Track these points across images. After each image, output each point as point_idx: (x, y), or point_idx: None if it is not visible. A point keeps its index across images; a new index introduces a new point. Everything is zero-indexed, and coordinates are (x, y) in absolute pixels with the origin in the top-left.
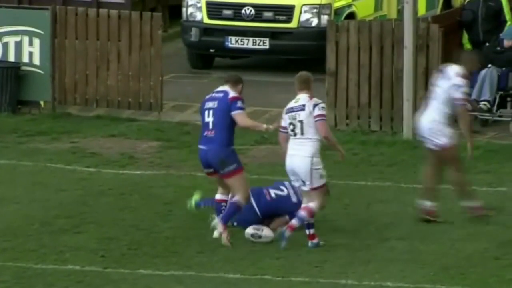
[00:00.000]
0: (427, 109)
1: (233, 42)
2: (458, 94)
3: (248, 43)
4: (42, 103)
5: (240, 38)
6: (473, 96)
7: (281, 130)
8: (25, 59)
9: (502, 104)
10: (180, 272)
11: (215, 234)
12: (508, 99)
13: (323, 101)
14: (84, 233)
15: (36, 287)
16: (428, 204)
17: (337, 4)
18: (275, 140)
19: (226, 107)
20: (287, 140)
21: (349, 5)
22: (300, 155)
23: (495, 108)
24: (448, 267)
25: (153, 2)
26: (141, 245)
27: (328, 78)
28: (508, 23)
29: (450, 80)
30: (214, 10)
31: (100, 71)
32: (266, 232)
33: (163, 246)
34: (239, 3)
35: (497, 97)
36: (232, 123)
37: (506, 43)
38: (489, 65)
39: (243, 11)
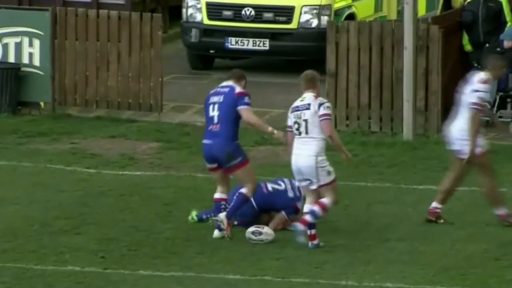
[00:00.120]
0: (456, 117)
1: (233, 43)
2: (473, 99)
3: (248, 44)
4: (42, 104)
5: (240, 39)
6: None
7: (288, 129)
8: (25, 60)
9: (502, 105)
10: (180, 273)
11: (215, 234)
12: (508, 100)
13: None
14: (84, 234)
15: None
16: (439, 206)
17: (337, 5)
18: (275, 141)
19: (232, 101)
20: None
21: (349, 6)
22: (305, 154)
23: (495, 109)
24: (448, 268)
25: (153, 3)
26: (141, 246)
27: (328, 79)
28: (508, 24)
29: (472, 85)
30: (214, 11)
31: (100, 72)
32: (267, 229)
33: (163, 247)
34: (239, 4)
35: (497, 98)
36: (238, 118)
37: (506, 44)
38: None
39: (243, 12)
